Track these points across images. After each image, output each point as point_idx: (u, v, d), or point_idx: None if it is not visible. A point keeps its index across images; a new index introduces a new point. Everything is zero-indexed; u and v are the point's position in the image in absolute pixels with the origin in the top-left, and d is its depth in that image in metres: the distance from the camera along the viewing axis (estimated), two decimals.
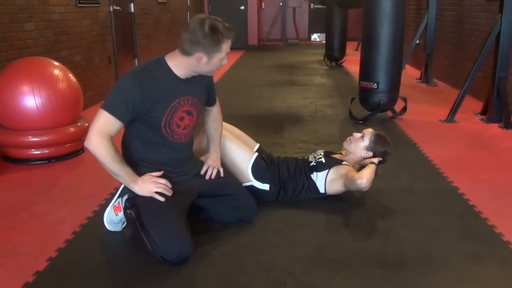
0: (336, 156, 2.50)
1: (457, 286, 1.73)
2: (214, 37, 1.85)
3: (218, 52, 1.90)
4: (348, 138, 2.48)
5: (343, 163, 2.40)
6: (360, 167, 2.39)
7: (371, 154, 2.38)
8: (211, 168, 2.19)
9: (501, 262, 1.87)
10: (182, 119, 2.02)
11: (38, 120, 2.94)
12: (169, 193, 1.96)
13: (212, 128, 2.27)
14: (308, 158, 2.52)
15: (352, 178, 2.22)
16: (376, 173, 2.32)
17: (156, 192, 1.94)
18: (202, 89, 2.12)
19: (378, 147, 2.39)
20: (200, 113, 2.15)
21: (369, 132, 2.43)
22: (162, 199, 1.93)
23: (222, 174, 2.21)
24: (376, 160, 2.34)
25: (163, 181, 1.97)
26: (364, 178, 2.17)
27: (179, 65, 1.95)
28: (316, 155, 2.50)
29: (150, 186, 1.94)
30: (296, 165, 2.48)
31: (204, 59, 1.90)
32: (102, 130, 1.86)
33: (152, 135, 1.99)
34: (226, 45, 1.91)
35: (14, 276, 1.78)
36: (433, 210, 2.35)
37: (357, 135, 2.43)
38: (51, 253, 1.94)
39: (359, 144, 2.40)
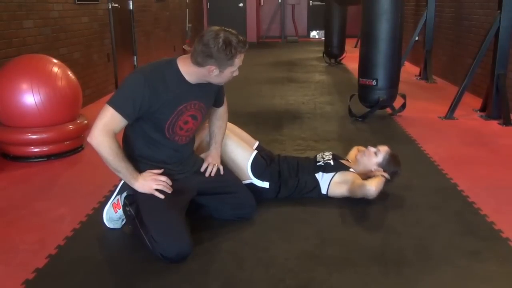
0: (344, 162, 2.53)
1: (456, 282, 1.73)
2: (227, 51, 1.85)
3: (230, 66, 1.91)
4: (363, 150, 2.51)
5: (350, 169, 2.44)
6: (367, 178, 2.42)
7: (381, 170, 2.41)
8: (211, 165, 2.20)
9: (500, 258, 1.88)
10: (186, 123, 2.02)
11: (37, 117, 2.94)
12: (169, 190, 1.96)
13: (216, 126, 2.27)
14: (315, 157, 2.54)
15: (362, 184, 2.27)
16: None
17: (157, 190, 1.94)
18: (211, 94, 2.13)
19: (390, 166, 2.43)
20: (205, 117, 2.15)
21: (384, 150, 2.46)
22: (162, 196, 1.94)
23: (222, 172, 2.21)
24: (386, 174, 2.38)
25: (163, 178, 1.97)
26: (374, 186, 2.24)
27: (190, 72, 1.95)
28: (324, 155, 2.53)
29: (151, 183, 1.94)
30: (298, 163, 2.49)
31: (216, 71, 1.91)
32: (106, 127, 1.85)
33: (154, 134, 1.99)
34: (238, 59, 1.92)
35: (14, 273, 1.79)
36: (433, 206, 2.36)
37: (372, 149, 2.46)
38: (51, 250, 1.94)
39: (372, 159, 2.44)
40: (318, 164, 2.45)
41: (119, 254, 1.97)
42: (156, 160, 2.03)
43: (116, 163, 1.88)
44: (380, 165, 2.42)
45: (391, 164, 2.43)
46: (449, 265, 1.83)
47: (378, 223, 2.19)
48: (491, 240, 2.02)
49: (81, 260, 1.89)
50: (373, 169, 2.42)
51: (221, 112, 2.28)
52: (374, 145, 2.51)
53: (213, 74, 1.92)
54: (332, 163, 2.44)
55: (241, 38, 1.90)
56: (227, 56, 1.86)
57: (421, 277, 1.76)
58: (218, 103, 2.24)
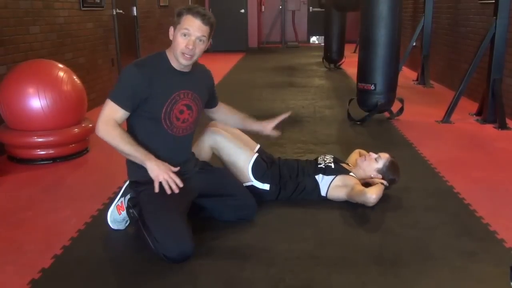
0: (344, 166, 2.56)
1: (452, 283, 1.76)
2: (178, 12, 2.03)
3: (178, 24, 2.02)
4: (364, 155, 2.55)
5: (350, 173, 2.47)
6: (365, 183, 2.46)
7: (380, 176, 2.45)
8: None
9: (495, 259, 1.91)
10: (181, 112, 2.08)
11: (43, 121, 2.98)
12: (175, 189, 1.95)
13: (230, 116, 2.44)
14: (316, 159, 2.58)
15: (362, 191, 2.30)
16: None
17: (160, 185, 1.95)
18: (203, 86, 2.20)
19: (389, 173, 2.46)
20: (201, 111, 2.20)
21: (385, 156, 2.50)
22: (162, 189, 1.94)
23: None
24: (385, 182, 2.41)
25: (176, 179, 1.97)
26: (374, 194, 2.28)
27: (173, 58, 2.07)
28: (325, 158, 2.56)
29: (163, 173, 1.94)
30: (298, 166, 2.52)
31: (171, 31, 2.04)
32: (107, 117, 1.97)
33: (153, 127, 2.04)
34: (186, 19, 2.00)
35: (21, 273, 1.81)
36: (429, 208, 2.39)
37: (373, 155, 2.50)
38: (56, 250, 1.97)
39: (373, 164, 2.47)
40: (319, 166, 2.49)
41: (123, 254, 2.00)
42: (158, 156, 2.06)
43: (124, 147, 1.95)
44: (380, 171, 2.45)
45: (390, 172, 2.46)
46: (445, 265, 1.86)
47: (376, 224, 2.22)
48: (486, 241, 2.05)
49: (86, 260, 1.92)
50: (372, 175, 2.45)
51: (222, 108, 2.41)
52: (376, 152, 2.54)
53: (171, 37, 2.04)
54: (333, 166, 2.47)
55: (199, 8, 2.03)
56: (177, 16, 2.02)
57: (418, 277, 1.78)
58: (213, 102, 2.35)
